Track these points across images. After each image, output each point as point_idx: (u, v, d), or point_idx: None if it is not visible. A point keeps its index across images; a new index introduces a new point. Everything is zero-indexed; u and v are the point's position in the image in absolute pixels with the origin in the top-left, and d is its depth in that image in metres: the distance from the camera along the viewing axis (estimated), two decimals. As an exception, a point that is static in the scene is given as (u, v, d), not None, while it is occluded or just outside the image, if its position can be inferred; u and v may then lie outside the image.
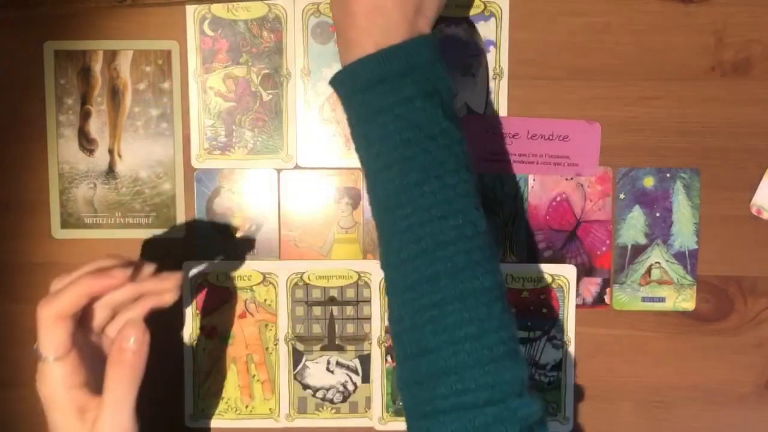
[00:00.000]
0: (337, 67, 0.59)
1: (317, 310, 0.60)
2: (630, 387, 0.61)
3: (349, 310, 0.61)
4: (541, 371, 0.61)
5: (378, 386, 0.61)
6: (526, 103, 0.59)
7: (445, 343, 0.43)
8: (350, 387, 0.61)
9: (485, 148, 0.59)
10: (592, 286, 0.61)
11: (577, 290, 0.60)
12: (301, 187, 0.60)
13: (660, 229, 0.60)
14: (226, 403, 0.61)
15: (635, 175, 0.60)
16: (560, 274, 0.60)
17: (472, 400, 0.42)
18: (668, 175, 0.60)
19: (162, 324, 0.60)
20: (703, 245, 0.60)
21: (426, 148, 0.45)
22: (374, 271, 0.60)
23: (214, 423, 0.61)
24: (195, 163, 0.60)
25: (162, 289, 0.49)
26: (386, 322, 0.60)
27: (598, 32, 0.59)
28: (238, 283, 0.60)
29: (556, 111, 0.59)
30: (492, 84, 0.59)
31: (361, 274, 0.60)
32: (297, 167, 0.60)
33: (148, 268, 0.49)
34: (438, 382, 0.43)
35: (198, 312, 0.60)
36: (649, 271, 0.60)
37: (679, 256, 0.60)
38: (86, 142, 0.60)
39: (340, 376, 0.61)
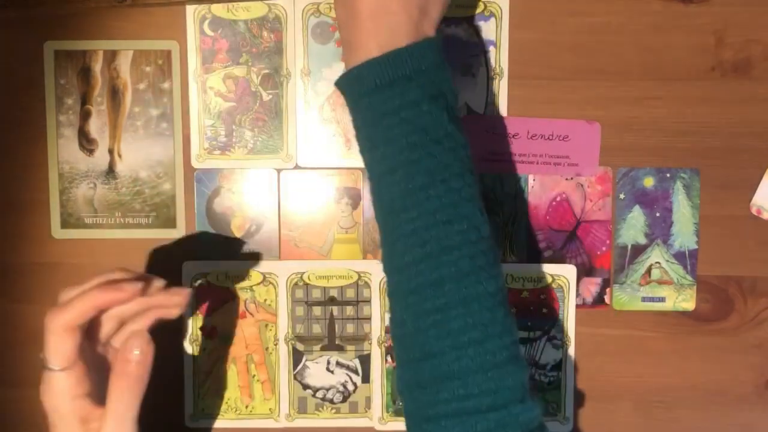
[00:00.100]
0: (337, 66, 0.59)
1: (317, 310, 0.60)
2: (630, 387, 0.61)
3: (349, 310, 0.61)
4: (541, 371, 0.61)
5: (378, 386, 0.61)
6: (526, 103, 0.59)
7: (449, 347, 0.43)
8: (350, 387, 0.61)
9: (485, 148, 0.59)
10: (592, 286, 0.61)
11: (577, 290, 0.60)
12: (301, 187, 0.60)
13: (660, 229, 0.60)
14: (226, 403, 0.61)
15: (635, 175, 0.60)
16: (560, 274, 0.60)
17: (475, 405, 0.42)
18: (668, 175, 0.60)
19: (162, 324, 0.60)
20: (703, 245, 0.60)
21: (431, 151, 0.45)
22: (374, 271, 0.60)
23: (214, 423, 0.61)
24: (195, 163, 0.60)
25: (170, 303, 0.49)
26: (386, 322, 0.60)
27: (598, 32, 0.59)
28: (238, 283, 0.60)
29: (556, 111, 0.59)
30: (492, 84, 0.59)
31: (361, 274, 0.60)
32: (297, 167, 0.60)
33: (158, 282, 0.48)
34: (440, 387, 0.43)
35: (198, 312, 0.60)
36: (649, 271, 0.60)
37: (679, 256, 0.60)
38: (86, 142, 0.60)
39: (340, 376, 0.61)
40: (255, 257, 0.60)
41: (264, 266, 0.60)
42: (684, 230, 0.60)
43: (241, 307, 0.60)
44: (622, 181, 0.60)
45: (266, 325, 0.60)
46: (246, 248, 0.60)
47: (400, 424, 0.61)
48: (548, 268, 0.60)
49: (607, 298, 0.61)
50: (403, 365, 0.45)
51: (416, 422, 0.44)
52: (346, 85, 0.47)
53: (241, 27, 0.59)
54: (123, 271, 0.49)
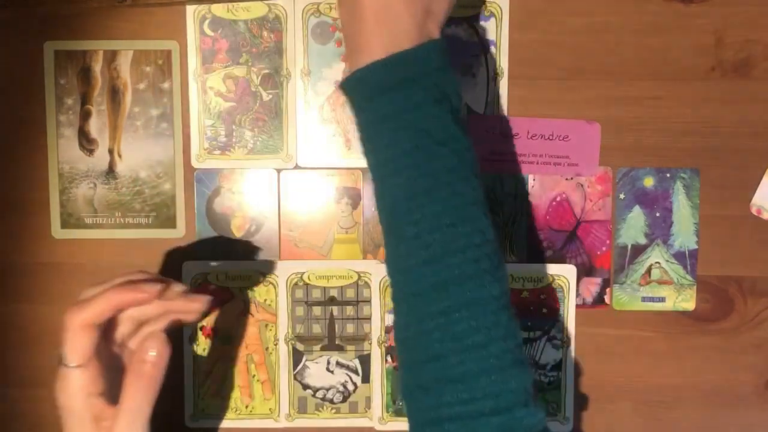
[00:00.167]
0: (337, 66, 0.59)
1: (317, 310, 0.60)
2: (630, 387, 0.61)
3: (349, 310, 0.61)
4: (541, 371, 0.61)
5: (378, 386, 0.61)
6: (526, 103, 0.59)
7: (452, 351, 0.43)
8: (350, 387, 0.61)
9: (485, 148, 0.59)
10: (592, 286, 0.61)
11: (577, 290, 0.60)
12: (301, 187, 0.60)
13: (660, 229, 0.60)
14: (226, 403, 0.61)
15: (635, 175, 0.60)
16: (560, 274, 0.60)
17: (478, 408, 0.42)
18: (668, 175, 0.60)
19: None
20: (703, 245, 0.60)
21: (436, 154, 0.44)
22: (374, 271, 0.60)
23: (214, 423, 0.61)
24: (195, 163, 0.60)
25: (189, 309, 0.49)
26: (386, 322, 0.60)
27: (598, 32, 0.59)
28: (238, 283, 0.60)
29: (556, 111, 0.59)
30: (492, 84, 0.59)
31: (361, 274, 0.60)
32: (297, 167, 0.60)
33: (178, 287, 0.49)
34: (443, 390, 0.43)
35: (198, 312, 0.60)
36: (649, 271, 0.60)
37: (679, 256, 0.60)
38: (86, 142, 0.60)
39: (340, 376, 0.61)
40: (255, 257, 0.60)
41: (264, 266, 0.60)
42: (684, 230, 0.60)
43: (241, 307, 0.60)
44: (622, 181, 0.60)
45: (266, 325, 0.60)
46: (246, 248, 0.60)
47: (400, 424, 0.61)
48: (548, 268, 0.60)
49: (607, 298, 0.61)
50: (406, 368, 0.45)
51: (419, 425, 0.44)
52: (349, 87, 0.47)
53: (241, 27, 0.59)
54: (143, 273, 0.49)
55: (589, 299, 0.61)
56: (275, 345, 0.60)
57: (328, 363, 0.61)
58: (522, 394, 0.43)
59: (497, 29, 0.59)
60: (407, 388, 0.45)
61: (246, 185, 0.60)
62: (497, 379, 0.42)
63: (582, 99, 0.59)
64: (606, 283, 0.61)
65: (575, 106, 0.59)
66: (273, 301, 0.60)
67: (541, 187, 0.60)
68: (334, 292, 0.60)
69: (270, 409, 0.61)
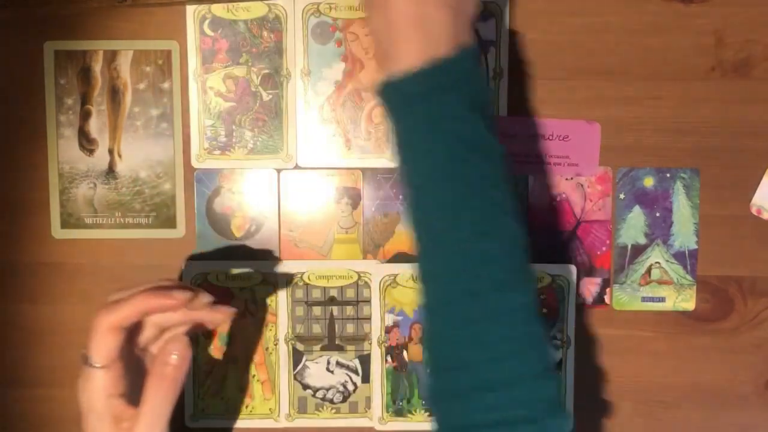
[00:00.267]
0: (337, 66, 0.59)
1: (317, 310, 0.60)
2: (630, 387, 0.61)
3: (349, 310, 0.61)
4: (541, 371, 0.61)
5: (378, 386, 0.61)
6: (526, 103, 0.59)
7: (484, 359, 0.42)
8: (350, 387, 0.61)
9: (485, 148, 0.59)
10: (592, 286, 0.61)
11: (577, 290, 0.60)
12: (301, 187, 0.60)
13: (660, 229, 0.60)
14: (226, 403, 0.61)
15: (635, 175, 0.60)
16: (560, 274, 0.60)
17: (509, 417, 0.42)
18: (668, 175, 0.60)
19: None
20: (703, 245, 0.60)
21: (470, 162, 0.44)
22: (374, 271, 0.60)
23: (214, 423, 0.61)
24: (195, 163, 0.60)
25: (212, 319, 0.51)
26: (386, 322, 0.60)
27: (598, 32, 0.59)
28: (238, 283, 0.60)
29: (556, 111, 0.59)
30: (492, 84, 0.59)
31: (361, 274, 0.60)
32: (297, 167, 0.60)
33: (205, 297, 0.49)
34: (474, 398, 0.42)
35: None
36: (649, 271, 0.60)
37: (679, 256, 0.60)
38: (86, 142, 0.60)
39: (340, 376, 0.61)
40: (255, 257, 0.60)
41: (264, 266, 0.60)
42: (684, 230, 0.60)
43: (241, 307, 0.60)
44: (622, 181, 0.60)
45: (266, 325, 0.60)
46: (246, 248, 0.60)
47: (400, 424, 0.61)
48: (548, 268, 0.60)
49: (607, 298, 0.61)
50: (435, 374, 0.45)
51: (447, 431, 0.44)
52: (384, 94, 0.46)
53: (241, 27, 0.59)
54: (171, 280, 0.50)
55: (589, 299, 0.61)
56: (275, 345, 0.60)
57: (328, 363, 0.61)
58: (552, 403, 0.43)
59: (497, 29, 0.59)
60: (436, 394, 0.45)
61: (246, 185, 0.60)
62: (529, 387, 0.42)
63: (582, 99, 0.59)
64: (606, 283, 0.61)
65: (575, 106, 0.59)
66: (273, 301, 0.60)
67: (541, 187, 0.60)
68: (334, 292, 0.60)
69: (270, 409, 0.61)
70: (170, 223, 0.60)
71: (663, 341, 0.61)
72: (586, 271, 0.61)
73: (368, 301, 0.60)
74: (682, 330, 0.61)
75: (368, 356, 0.61)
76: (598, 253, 0.60)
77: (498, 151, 0.45)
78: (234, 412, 0.61)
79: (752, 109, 0.59)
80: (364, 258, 0.60)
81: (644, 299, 0.61)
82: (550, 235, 0.60)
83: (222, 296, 0.60)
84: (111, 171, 0.60)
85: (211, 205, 0.60)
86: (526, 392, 0.42)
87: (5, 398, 0.61)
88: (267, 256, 0.60)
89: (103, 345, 0.46)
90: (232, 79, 0.59)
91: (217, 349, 0.60)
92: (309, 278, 0.60)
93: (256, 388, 0.61)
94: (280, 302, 0.60)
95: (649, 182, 0.60)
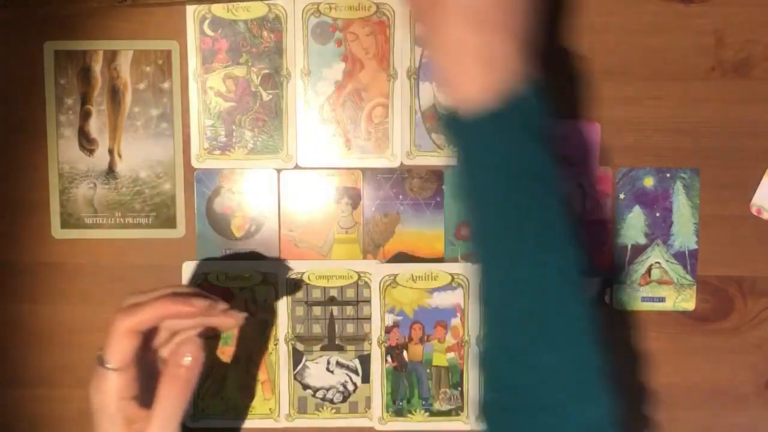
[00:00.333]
0: (337, 66, 0.59)
1: (317, 310, 0.60)
2: (630, 387, 0.61)
3: (349, 310, 0.61)
4: (541, 371, 0.61)
5: (378, 386, 0.61)
6: (526, 103, 0.59)
7: (539, 381, 0.43)
8: (350, 387, 0.61)
9: (485, 148, 0.59)
10: (592, 286, 0.61)
11: (577, 290, 0.60)
12: (301, 187, 0.60)
13: (660, 229, 0.60)
14: (226, 403, 0.61)
15: (635, 175, 0.60)
16: (560, 274, 0.60)
17: None
18: (668, 175, 0.60)
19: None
20: (703, 245, 0.60)
21: (533, 191, 0.44)
22: (374, 271, 0.60)
23: (214, 423, 0.61)
24: (195, 163, 0.60)
25: (224, 324, 0.51)
26: (386, 322, 0.60)
27: (598, 32, 0.59)
28: (238, 283, 0.60)
29: (556, 111, 0.59)
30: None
31: (361, 274, 0.60)
32: (297, 167, 0.60)
33: (222, 305, 0.50)
34: (532, 415, 0.42)
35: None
36: (649, 271, 0.60)
37: (679, 256, 0.60)
38: (86, 142, 0.60)
39: (340, 376, 0.61)
40: (255, 257, 0.60)
41: (264, 266, 0.60)
42: (684, 230, 0.60)
43: (241, 307, 0.60)
44: (622, 181, 0.60)
45: (266, 325, 0.60)
46: (246, 248, 0.60)
47: (400, 424, 0.61)
48: (548, 268, 0.60)
49: (607, 298, 0.61)
50: (491, 390, 0.45)
51: None
52: (450, 126, 0.46)
53: (241, 27, 0.59)
54: (188, 287, 0.51)
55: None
56: (275, 345, 0.60)
57: (328, 363, 0.61)
58: (610, 421, 0.43)
59: (497, 29, 0.59)
60: (490, 409, 0.45)
61: (246, 185, 0.60)
62: (585, 408, 0.42)
63: (582, 99, 0.59)
64: (606, 283, 0.61)
65: (575, 106, 0.59)
66: (273, 301, 0.60)
67: (541, 187, 0.60)
68: (334, 292, 0.60)
69: (270, 409, 0.61)
70: (170, 223, 0.60)
71: (663, 341, 0.61)
72: (586, 271, 0.60)
73: (368, 301, 0.60)
74: (682, 330, 0.61)
75: (368, 356, 0.61)
76: (598, 253, 0.60)
77: (559, 179, 0.45)
78: (234, 412, 0.61)
79: (752, 109, 0.59)
80: (364, 258, 0.60)
81: (644, 299, 0.61)
82: (550, 235, 0.60)
83: (222, 296, 0.60)
84: (111, 171, 0.60)
85: (211, 205, 0.60)
86: (583, 412, 0.42)
87: (5, 398, 0.61)
88: (267, 256, 0.60)
89: (120, 348, 0.46)
90: (232, 79, 0.59)
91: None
92: (309, 278, 0.60)
93: (256, 388, 0.61)
94: (280, 302, 0.60)
95: (649, 182, 0.60)
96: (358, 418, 0.61)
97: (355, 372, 0.61)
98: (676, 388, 0.61)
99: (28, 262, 0.60)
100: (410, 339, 0.61)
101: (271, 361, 0.61)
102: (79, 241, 0.60)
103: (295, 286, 0.60)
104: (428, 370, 0.61)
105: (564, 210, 0.45)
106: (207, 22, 0.59)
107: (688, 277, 0.60)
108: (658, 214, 0.60)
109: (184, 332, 0.50)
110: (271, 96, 0.60)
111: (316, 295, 0.60)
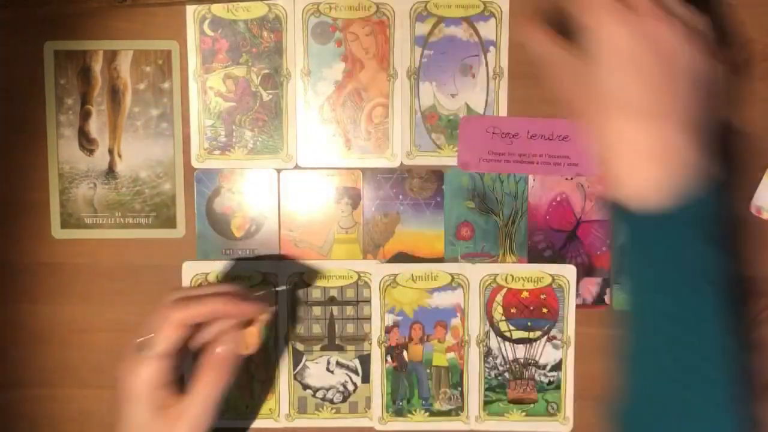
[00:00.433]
0: (337, 66, 0.59)
1: (317, 310, 0.60)
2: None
3: (349, 310, 0.61)
4: (541, 371, 0.61)
5: (378, 386, 0.61)
6: (526, 103, 0.59)
7: None
8: (350, 387, 0.61)
9: (485, 148, 0.59)
10: (592, 286, 0.61)
11: (577, 290, 0.60)
12: (301, 187, 0.60)
13: (660, 229, 0.60)
14: (226, 403, 0.61)
15: (635, 175, 0.60)
16: (560, 274, 0.60)
17: None
18: (668, 175, 0.60)
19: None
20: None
21: (704, 293, 0.42)
22: (374, 271, 0.60)
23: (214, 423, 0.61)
24: (195, 163, 0.60)
25: (262, 319, 0.52)
26: (386, 322, 0.60)
27: (598, 32, 0.59)
28: (238, 283, 0.60)
29: (556, 111, 0.59)
30: (492, 84, 0.59)
31: (361, 274, 0.60)
32: (297, 167, 0.60)
33: (272, 309, 0.52)
34: None
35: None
36: (649, 271, 0.60)
37: (679, 256, 0.60)
38: (86, 142, 0.60)
39: (340, 376, 0.61)
40: (255, 257, 0.60)
41: (264, 266, 0.60)
42: (684, 230, 0.60)
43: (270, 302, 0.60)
44: (622, 181, 0.60)
45: (266, 325, 0.60)
46: (246, 248, 0.60)
47: (400, 424, 0.61)
48: (548, 268, 0.60)
49: (607, 298, 0.61)
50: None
51: None
52: (617, 215, 0.44)
53: (241, 27, 0.59)
54: (232, 286, 0.51)
55: (589, 299, 0.61)
56: (275, 345, 0.60)
57: (328, 363, 0.61)
58: None
59: (497, 29, 0.59)
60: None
61: (246, 185, 0.60)
62: None
63: (582, 99, 0.59)
64: (606, 283, 0.61)
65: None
66: (273, 301, 0.60)
67: (541, 187, 0.60)
68: (334, 292, 0.60)
69: (270, 409, 0.61)
70: (170, 223, 0.60)
71: (663, 341, 0.61)
72: (586, 271, 0.61)
73: (368, 301, 0.60)
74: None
75: (368, 356, 0.61)
76: (598, 253, 0.60)
77: (728, 277, 0.42)
78: (234, 411, 0.61)
79: (752, 109, 0.59)
80: (364, 258, 0.60)
81: (644, 299, 0.60)
82: (550, 235, 0.60)
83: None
84: (111, 171, 0.60)
85: (211, 205, 0.60)
86: None
87: (5, 398, 0.61)
88: (267, 256, 0.60)
89: (167, 338, 0.47)
90: (232, 79, 0.59)
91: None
92: (309, 278, 0.60)
93: (256, 388, 0.61)
94: (280, 302, 0.60)
95: (649, 182, 0.60)
96: (358, 418, 0.61)
97: (355, 372, 0.61)
98: (676, 388, 0.61)
99: (28, 262, 0.60)
100: (410, 339, 0.61)
101: (271, 361, 0.61)
102: (79, 241, 0.60)
103: (295, 286, 0.60)
104: (428, 370, 0.61)
105: (735, 311, 0.42)
106: (207, 22, 0.59)
107: (688, 277, 0.60)
108: (658, 214, 0.60)
109: (222, 321, 0.51)
110: (271, 96, 0.60)
111: (316, 295, 0.60)
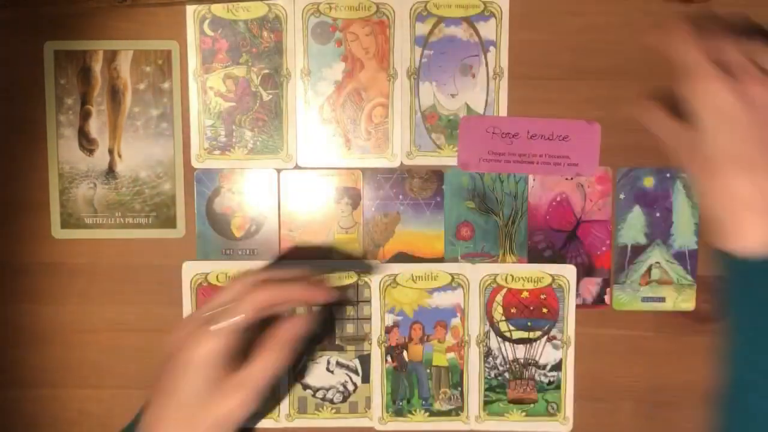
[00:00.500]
0: (337, 66, 0.59)
1: (317, 310, 0.60)
2: (630, 387, 0.61)
3: (349, 310, 0.61)
4: (541, 371, 0.61)
5: (378, 386, 0.61)
6: (526, 103, 0.59)
7: None
8: (350, 387, 0.61)
9: (485, 148, 0.59)
10: (592, 286, 0.61)
11: (577, 290, 0.60)
12: (301, 187, 0.60)
13: (660, 229, 0.60)
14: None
15: (635, 175, 0.60)
16: (560, 274, 0.60)
17: None
18: (668, 175, 0.60)
19: (162, 325, 0.60)
20: (702, 245, 0.60)
21: None
22: (374, 271, 0.60)
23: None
24: (195, 163, 0.60)
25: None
26: (386, 322, 0.60)
27: (598, 32, 0.59)
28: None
29: (556, 111, 0.59)
30: (492, 84, 0.59)
31: (361, 274, 0.60)
32: (297, 167, 0.60)
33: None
34: None
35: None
36: (649, 271, 0.60)
37: (679, 256, 0.60)
38: (86, 142, 0.60)
39: (340, 376, 0.61)
40: (255, 257, 0.60)
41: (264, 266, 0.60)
42: (684, 230, 0.60)
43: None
44: (622, 181, 0.60)
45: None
46: (246, 248, 0.60)
47: (400, 424, 0.61)
48: (548, 268, 0.60)
49: (607, 298, 0.61)
50: None
51: None
52: (723, 264, 0.47)
53: (241, 27, 0.59)
54: (304, 270, 0.53)
55: (589, 299, 0.61)
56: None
57: (328, 363, 0.61)
58: None
59: (497, 29, 0.59)
60: None
61: (246, 185, 0.60)
62: None
63: (582, 99, 0.59)
64: (606, 283, 0.61)
65: (575, 106, 0.59)
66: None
67: (541, 187, 0.60)
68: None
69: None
70: (170, 223, 0.60)
71: (663, 341, 0.61)
72: (586, 271, 0.61)
73: (368, 301, 0.60)
74: (682, 330, 0.61)
75: (368, 356, 0.61)
76: (598, 253, 0.60)
77: None
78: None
79: (752, 109, 0.59)
80: (364, 258, 0.60)
81: (644, 299, 0.60)
82: (550, 235, 0.60)
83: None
84: (111, 171, 0.60)
85: (211, 205, 0.60)
86: None
87: (5, 398, 0.61)
88: (267, 256, 0.60)
89: (245, 318, 0.48)
90: (232, 79, 0.59)
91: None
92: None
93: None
94: (280, 302, 0.60)
95: (649, 182, 0.60)
96: (358, 418, 0.61)
97: (355, 372, 0.61)
98: (676, 388, 0.61)
99: (28, 262, 0.60)
100: (410, 339, 0.61)
101: (271, 361, 0.60)
102: (79, 241, 0.60)
103: (295, 286, 0.60)
104: (428, 370, 0.61)
105: None
106: (207, 22, 0.59)
107: (688, 277, 0.60)
108: (658, 214, 0.60)
109: (282, 305, 0.52)
110: (271, 96, 0.60)
111: (316, 295, 0.60)
